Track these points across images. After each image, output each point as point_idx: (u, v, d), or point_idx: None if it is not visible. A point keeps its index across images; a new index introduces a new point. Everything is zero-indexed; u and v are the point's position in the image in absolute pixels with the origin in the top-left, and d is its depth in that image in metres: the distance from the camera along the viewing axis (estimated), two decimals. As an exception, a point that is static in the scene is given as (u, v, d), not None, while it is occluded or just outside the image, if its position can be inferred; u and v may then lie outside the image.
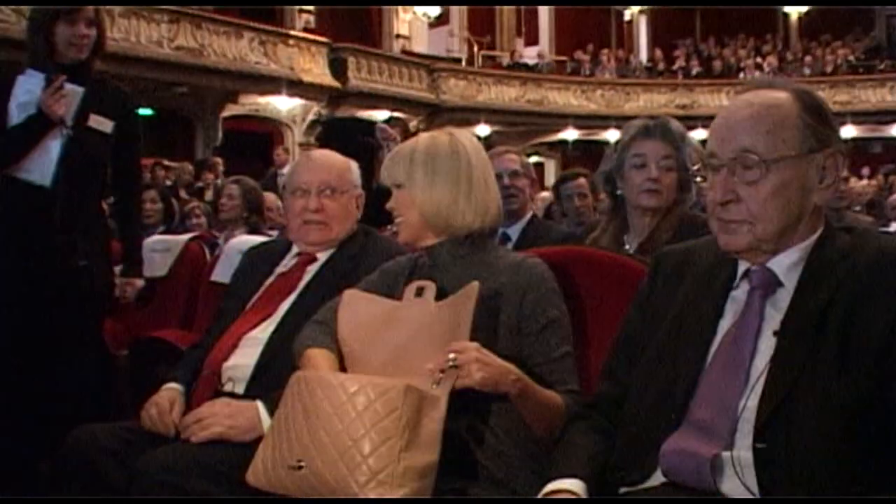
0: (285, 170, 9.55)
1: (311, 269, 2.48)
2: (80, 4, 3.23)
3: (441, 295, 1.98)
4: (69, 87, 3.19)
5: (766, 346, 1.55)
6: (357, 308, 2.05)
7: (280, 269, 2.55)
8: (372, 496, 1.60)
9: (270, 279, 2.52)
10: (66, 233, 3.20)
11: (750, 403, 1.51)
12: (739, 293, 1.66)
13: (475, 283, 1.86)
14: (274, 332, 2.34)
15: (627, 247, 2.78)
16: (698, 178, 2.77)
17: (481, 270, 2.01)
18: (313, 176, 2.51)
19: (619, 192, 2.86)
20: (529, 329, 1.96)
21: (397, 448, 1.63)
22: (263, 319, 2.38)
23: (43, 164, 3.20)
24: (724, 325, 1.64)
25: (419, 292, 1.99)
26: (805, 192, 1.61)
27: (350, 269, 2.39)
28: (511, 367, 1.82)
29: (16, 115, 3.21)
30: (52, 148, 3.20)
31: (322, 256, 2.51)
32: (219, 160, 12.22)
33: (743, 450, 1.49)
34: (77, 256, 3.21)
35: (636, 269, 2.11)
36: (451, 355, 1.75)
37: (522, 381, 1.83)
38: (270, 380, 2.16)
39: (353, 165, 2.61)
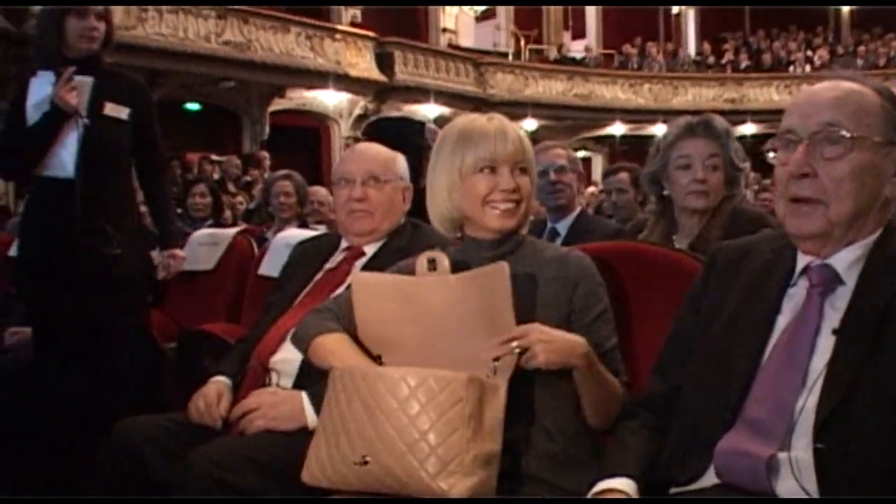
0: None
1: (359, 264, 2.48)
2: (113, 4, 3.29)
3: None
4: (79, 78, 3.24)
5: (825, 344, 1.52)
6: (370, 290, 2.02)
7: (328, 264, 2.55)
8: (444, 486, 1.62)
9: (319, 275, 2.53)
10: (92, 221, 3.23)
11: (808, 403, 1.48)
12: (797, 290, 1.62)
13: (503, 264, 1.84)
14: None
15: (677, 247, 2.74)
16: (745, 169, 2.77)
17: (522, 263, 2.00)
18: (358, 165, 2.53)
19: (665, 192, 2.82)
20: (580, 322, 1.94)
21: (465, 438, 1.65)
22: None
23: (63, 157, 3.25)
24: (781, 322, 1.60)
25: (431, 265, 1.97)
26: (880, 180, 1.58)
27: (401, 260, 2.38)
28: (578, 339, 1.82)
29: (31, 116, 3.27)
30: (70, 140, 3.24)
31: (370, 250, 2.51)
32: (266, 154, 12.30)
33: (800, 450, 1.46)
34: (109, 245, 3.24)
35: (688, 265, 2.08)
36: (514, 344, 1.76)
37: (591, 355, 1.83)
38: (318, 374, 2.15)
39: (400, 158, 2.60)
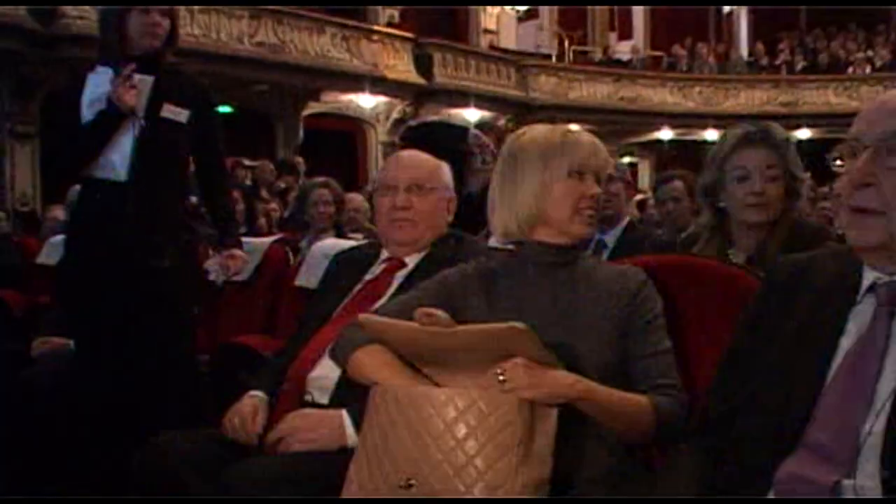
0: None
1: (401, 275, 2.49)
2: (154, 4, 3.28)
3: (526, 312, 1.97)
4: (139, 76, 3.22)
5: (893, 367, 1.50)
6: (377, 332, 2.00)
7: (368, 276, 2.56)
8: None
9: (358, 286, 2.53)
10: (145, 230, 3.23)
11: (875, 428, 1.46)
12: (863, 308, 1.60)
13: (519, 326, 1.78)
14: None
15: (734, 262, 2.71)
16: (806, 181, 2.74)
17: (583, 275, 2.04)
18: (402, 173, 2.54)
19: (720, 204, 2.80)
20: (633, 328, 1.98)
21: (514, 463, 1.65)
22: None
23: (117, 159, 3.24)
24: (846, 342, 1.58)
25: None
26: None
27: None
28: (566, 375, 1.81)
29: (87, 114, 3.25)
30: (126, 141, 3.23)
31: (411, 262, 2.52)
32: (300, 160, 12.35)
33: (867, 478, 1.44)
34: (161, 257, 3.25)
35: (745, 281, 2.06)
36: (499, 374, 1.76)
37: (582, 384, 1.82)
38: (356, 390, 2.15)
39: (445, 167, 2.62)
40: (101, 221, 3.27)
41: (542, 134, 2.08)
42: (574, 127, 2.22)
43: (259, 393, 2.38)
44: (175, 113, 3.33)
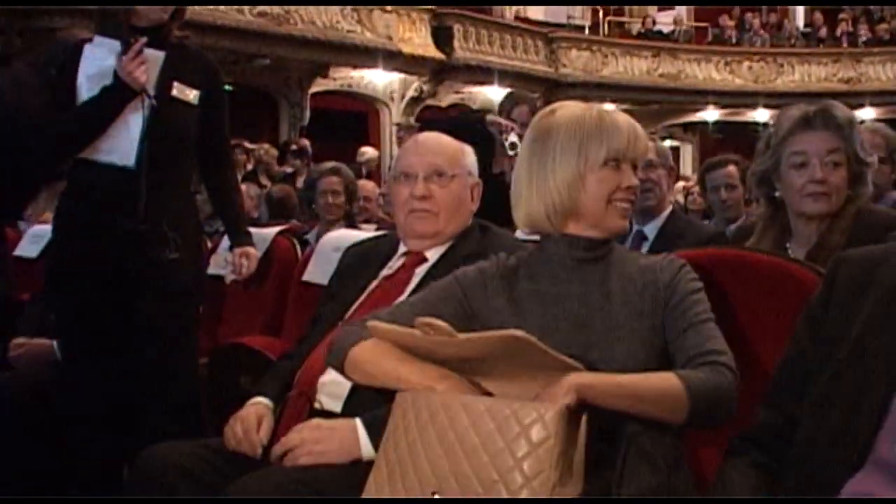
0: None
1: (420, 271, 2.49)
2: None
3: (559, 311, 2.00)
4: (149, 51, 3.21)
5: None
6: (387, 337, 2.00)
7: (385, 271, 2.56)
8: None
9: (374, 283, 2.54)
10: (153, 220, 3.23)
11: (954, 442, 1.45)
12: (939, 309, 1.59)
13: (518, 334, 1.77)
14: None
15: (792, 256, 2.70)
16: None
17: (616, 269, 2.05)
18: (420, 159, 2.54)
19: (776, 194, 2.78)
20: (671, 304, 2.00)
21: (551, 482, 1.66)
22: None
23: (124, 142, 3.22)
24: (921, 346, 1.58)
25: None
26: None
27: None
28: (560, 384, 1.78)
29: (86, 89, 3.23)
30: (134, 122, 3.22)
31: (432, 256, 2.52)
32: (307, 143, 12.35)
33: (944, 498, 1.44)
34: (167, 249, 3.25)
35: (805, 277, 2.06)
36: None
37: (575, 385, 1.77)
38: (370, 396, 2.16)
39: (469, 150, 2.62)
40: (107, 211, 3.24)
41: (575, 114, 2.07)
42: (610, 107, 2.22)
43: (264, 399, 2.39)
44: (185, 93, 3.34)
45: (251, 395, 2.41)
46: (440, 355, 1.88)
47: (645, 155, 2.15)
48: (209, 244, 4.24)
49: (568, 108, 2.11)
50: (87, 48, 3.28)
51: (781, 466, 1.69)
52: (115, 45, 3.22)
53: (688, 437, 2.09)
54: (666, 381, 1.86)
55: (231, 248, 3.65)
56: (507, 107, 5.39)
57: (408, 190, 2.52)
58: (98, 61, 3.24)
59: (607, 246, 2.10)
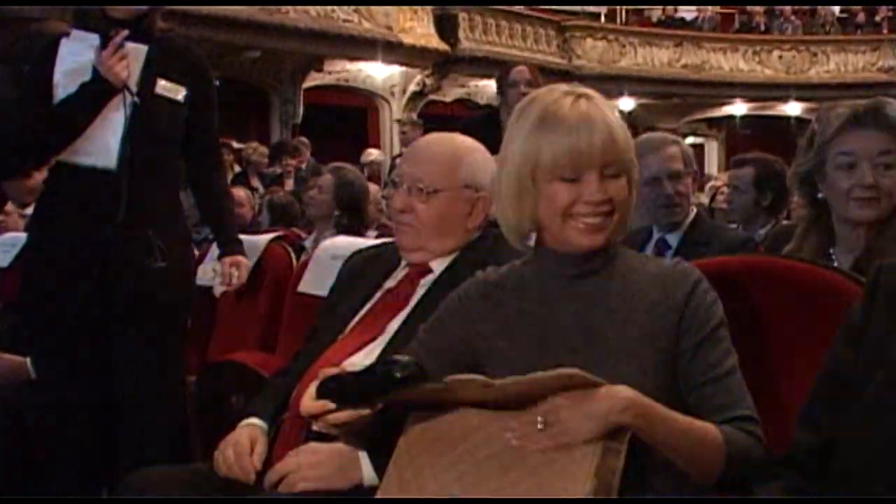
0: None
1: (425, 282, 2.48)
2: None
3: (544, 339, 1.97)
4: (131, 45, 3.20)
5: None
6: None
7: (389, 283, 2.55)
8: None
9: (377, 295, 2.53)
10: (137, 227, 3.22)
11: None
12: None
13: (569, 371, 1.76)
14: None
15: (836, 264, 2.68)
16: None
17: (615, 285, 1.99)
18: (408, 168, 2.53)
19: (820, 195, 2.77)
20: (686, 345, 1.91)
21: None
22: (366, 344, 2.38)
23: (105, 143, 3.21)
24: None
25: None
26: None
27: None
28: (620, 389, 1.75)
29: (62, 86, 3.22)
30: (116, 121, 3.21)
31: (437, 267, 2.51)
32: (304, 141, 12.33)
33: None
34: (153, 257, 3.24)
35: (849, 289, 2.03)
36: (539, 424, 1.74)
37: (640, 402, 1.75)
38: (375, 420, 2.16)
39: (474, 159, 2.54)
40: (82, 215, 3.24)
41: (538, 106, 1.97)
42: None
43: (257, 420, 2.37)
44: (171, 90, 3.33)
45: (243, 416, 2.40)
46: (479, 400, 1.86)
47: (613, 157, 1.93)
48: (197, 252, 4.24)
49: (537, 95, 2.02)
50: (64, 43, 3.27)
51: (819, 491, 1.69)
52: (94, 38, 3.21)
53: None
54: (711, 435, 1.82)
55: (220, 258, 3.65)
56: (501, 73, 5.44)
57: (395, 200, 2.52)
58: (76, 56, 3.23)
59: (607, 254, 2.01)
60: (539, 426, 1.72)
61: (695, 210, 3.99)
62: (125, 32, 3.17)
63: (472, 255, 2.48)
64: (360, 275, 2.64)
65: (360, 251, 2.82)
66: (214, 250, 3.83)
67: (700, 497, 1.83)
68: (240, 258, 3.63)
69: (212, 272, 3.67)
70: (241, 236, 3.78)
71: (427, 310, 2.35)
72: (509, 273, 2.10)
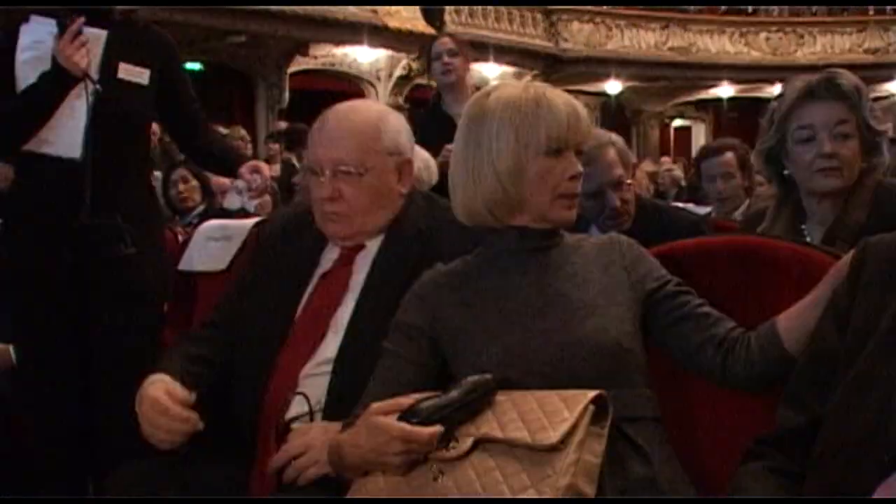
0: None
1: (362, 260, 2.39)
2: None
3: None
4: (89, 31, 3.18)
5: None
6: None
7: (320, 268, 2.44)
8: None
9: (312, 282, 2.42)
10: (104, 214, 3.20)
11: None
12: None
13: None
14: (339, 359, 2.26)
15: (808, 239, 2.71)
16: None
17: (569, 256, 2.09)
18: (325, 151, 2.38)
19: (786, 172, 2.79)
20: (649, 288, 2.06)
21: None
22: (318, 343, 2.31)
23: (68, 132, 3.19)
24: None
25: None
26: None
27: (421, 250, 2.33)
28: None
29: (23, 75, 3.20)
30: (78, 110, 3.18)
31: (372, 244, 2.41)
32: (304, 127, 12.29)
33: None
34: (123, 244, 3.22)
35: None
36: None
37: None
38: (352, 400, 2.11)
39: (391, 122, 2.43)
40: (49, 205, 3.22)
41: (511, 98, 2.05)
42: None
43: (164, 376, 2.28)
44: (133, 73, 3.30)
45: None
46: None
47: (588, 138, 2.13)
48: (180, 237, 4.22)
49: (504, 91, 2.09)
50: (23, 28, 3.24)
51: (804, 470, 1.68)
52: (53, 24, 3.18)
53: (699, 443, 2.12)
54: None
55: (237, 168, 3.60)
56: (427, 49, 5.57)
57: (317, 189, 2.38)
58: (35, 43, 3.21)
59: (558, 234, 2.13)
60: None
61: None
62: (81, 19, 3.15)
63: (408, 224, 2.41)
64: (284, 257, 2.50)
65: (278, 223, 2.68)
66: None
67: (700, 497, 1.85)
68: (256, 162, 3.65)
69: (237, 196, 3.64)
70: (227, 221, 3.77)
71: (373, 296, 2.31)
72: (462, 263, 2.15)
